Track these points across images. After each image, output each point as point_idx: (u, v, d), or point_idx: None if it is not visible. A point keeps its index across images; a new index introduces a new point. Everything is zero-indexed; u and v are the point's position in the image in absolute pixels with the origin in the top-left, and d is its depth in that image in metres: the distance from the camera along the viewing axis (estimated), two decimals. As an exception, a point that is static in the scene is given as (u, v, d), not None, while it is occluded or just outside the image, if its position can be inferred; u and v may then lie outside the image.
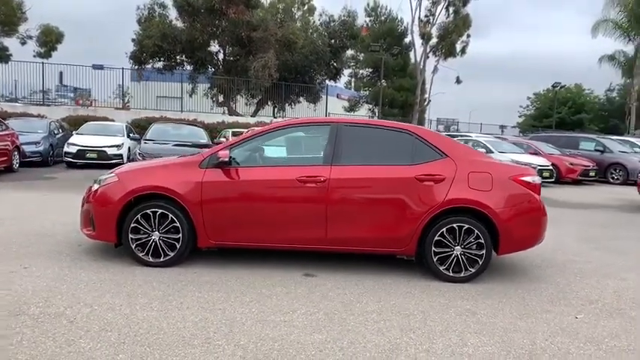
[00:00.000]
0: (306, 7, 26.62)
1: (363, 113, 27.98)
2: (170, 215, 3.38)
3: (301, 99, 20.69)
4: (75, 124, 13.59)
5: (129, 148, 11.11)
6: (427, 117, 29.66)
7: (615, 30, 23.76)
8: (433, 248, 3.37)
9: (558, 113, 31.29)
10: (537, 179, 3.60)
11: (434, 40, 25.93)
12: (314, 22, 23.03)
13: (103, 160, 10.49)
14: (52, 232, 4.36)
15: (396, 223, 3.37)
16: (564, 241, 4.96)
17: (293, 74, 19.82)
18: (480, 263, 3.38)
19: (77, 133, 11.30)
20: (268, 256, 3.74)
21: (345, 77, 26.52)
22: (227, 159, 3.39)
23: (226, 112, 19.45)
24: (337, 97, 30.38)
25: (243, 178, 3.43)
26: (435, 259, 3.38)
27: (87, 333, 2.32)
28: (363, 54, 27.32)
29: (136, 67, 18.49)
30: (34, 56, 19.98)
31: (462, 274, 3.38)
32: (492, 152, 10.49)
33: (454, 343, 2.42)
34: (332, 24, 20.52)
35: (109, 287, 2.98)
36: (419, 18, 25.76)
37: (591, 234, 5.58)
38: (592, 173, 12.18)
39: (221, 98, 19.94)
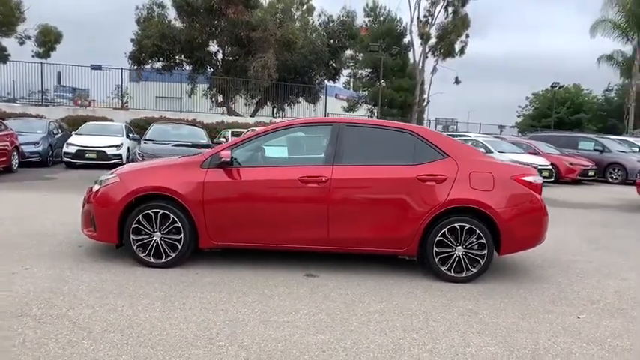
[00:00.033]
0: (305, 7, 26.66)
1: (362, 113, 28.01)
2: (171, 216, 3.38)
3: (300, 99, 20.68)
4: (74, 124, 13.56)
5: (128, 148, 11.09)
6: (426, 117, 29.70)
7: (614, 30, 23.84)
8: (435, 248, 3.37)
9: (557, 113, 31.38)
10: (539, 179, 3.61)
11: (433, 41, 25.97)
12: (313, 22, 23.06)
13: (102, 161, 10.47)
14: (53, 233, 4.35)
15: (397, 224, 3.37)
16: (565, 241, 4.98)
17: (292, 74, 19.81)
18: (482, 263, 3.38)
19: (76, 134, 11.27)
20: (269, 256, 3.74)
21: (343, 77, 26.56)
22: (229, 159, 3.39)
23: (225, 112, 19.43)
24: (336, 97, 30.39)
25: (245, 178, 3.43)
26: (436, 259, 3.38)
27: (90, 334, 2.32)
28: (362, 54, 27.37)
29: (135, 67, 18.45)
30: (33, 56, 19.98)
31: (463, 274, 3.39)
32: (492, 152, 10.50)
33: (457, 343, 2.42)
34: (331, 24, 20.52)
35: (111, 288, 2.97)
36: (418, 18, 25.82)
37: (591, 234, 5.59)
38: (591, 173, 12.21)
39: (220, 98, 19.92)
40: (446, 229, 3.35)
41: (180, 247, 3.40)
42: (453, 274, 3.38)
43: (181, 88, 18.83)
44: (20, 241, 3.98)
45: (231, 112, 19.46)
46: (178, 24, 18.32)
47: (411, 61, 27.79)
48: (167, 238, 3.40)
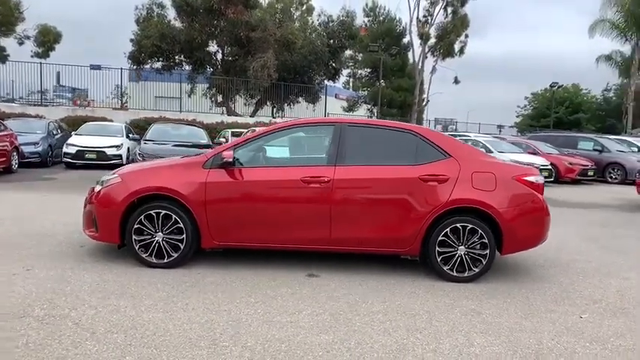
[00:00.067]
0: (304, 7, 26.63)
1: (361, 113, 28.02)
2: (174, 216, 3.37)
3: (300, 99, 20.68)
4: (73, 124, 13.53)
5: (128, 148, 11.08)
6: (425, 117, 29.72)
7: (612, 30, 23.87)
8: (437, 248, 3.37)
9: (556, 113, 31.42)
10: (540, 179, 3.61)
11: (432, 41, 25.99)
12: (312, 22, 23.04)
13: (102, 161, 10.46)
14: (54, 233, 4.34)
15: (400, 224, 3.37)
16: (566, 241, 4.98)
17: (292, 74, 19.81)
18: (484, 263, 3.39)
19: (76, 134, 11.24)
20: (271, 256, 3.73)
21: (343, 77, 26.55)
22: (231, 159, 3.38)
23: (225, 112, 19.41)
24: (335, 97, 30.39)
25: (247, 178, 3.43)
26: (439, 259, 3.38)
27: (93, 335, 2.31)
28: (361, 54, 27.35)
29: (135, 67, 18.42)
30: (32, 56, 19.92)
31: (465, 274, 3.39)
32: (491, 152, 10.52)
33: (461, 343, 2.42)
34: (331, 24, 20.52)
35: (114, 289, 2.97)
36: (417, 18, 25.83)
37: (592, 233, 5.60)
38: (590, 173, 12.24)
39: (220, 98, 19.90)
40: (448, 229, 3.35)
41: (182, 247, 3.40)
42: (455, 274, 3.39)
43: (181, 88, 18.80)
44: (20, 242, 3.97)
45: (231, 112, 19.45)
46: (178, 24, 18.30)
47: (411, 61, 27.80)
48: (169, 238, 3.40)
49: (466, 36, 25.84)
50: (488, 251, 3.37)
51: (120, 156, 10.68)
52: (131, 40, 18.27)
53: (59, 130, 11.94)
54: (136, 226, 3.38)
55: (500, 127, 30.27)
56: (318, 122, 4.13)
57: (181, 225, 3.37)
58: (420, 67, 26.76)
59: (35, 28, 19.92)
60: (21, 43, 19.80)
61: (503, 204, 3.37)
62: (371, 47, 23.25)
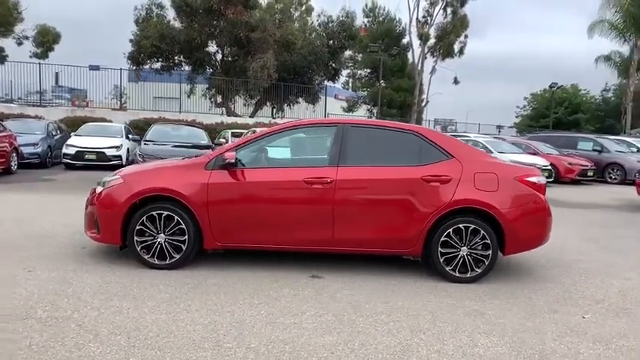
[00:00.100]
0: (303, 7, 26.66)
1: (361, 114, 28.02)
2: (176, 217, 3.37)
3: (300, 100, 20.67)
4: (73, 125, 13.49)
5: (128, 149, 11.06)
6: (425, 117, 29.74)
7: (611, 31, 23.92)
8: (439, 249, 3.37)
9: (555, 113, 31.46)
10: (542, 179, 3.62)
11: (432, 41, 26.01)
12: (312, 22, 23.05)
13: (101, 162, 10.44)
14: (54, 234, 4.33)
15: (402, 224, 3.37)
16: (567, 241, 4.99)
17: (292, 75, 19.80)
18: (486, 263, 3.39)
19: (75, 135, 11.22)
20: (274, 257, 3.73)
21: (342, 78, 26.55)
22: (233, 160, 3.38)
23: (225, 112, 19.40)
24: (335, 97, 30.40)
25: (250, 179, 3.42)
26: (441, 260, 3.38)
27: (96, 337, 2.30)
28: (361, 54, 27.35)
29: (134, 67, 18.40)
30: (31, 57, 19.86)
31: (468, 275, 3.39)
32: (491, 152, 10.53)
33: (465, 343, 2.42)
34: (330, 24, 20.53)
35: (116, 290, 2.96)
36: (417, 19, 25.85)
37: (592, 234, 5.61)
38: (590, 173, 12.26)
39: (219, 99, 19.88)
40: (450, 230, 3.36)
41: (184, 248, 3.39)
42: (457, 274, 3.39)
43: (180, 88, 18.78)
44: (21, 243, 3.96)
45: (231, 113, 19.43)
46: (177, 24, 18.28)
47: (410, 61, 27.82)
48: (171, 239, 3.39)
49: (466, 36, 25.89)
50: (490, 252, 3.37)
51: (119, 157, 10.67)
52: (130, 41, 18.24)
53: (58, 131, 11.91)
54: (137, 228, 3.37)
55: (499, 127, 30.31)
56: (320, 123, 4.13)
57: (183, 226, 3.37)
58: (419, 67, 26.79)
59: (34, 29, 19.88)
60: (20, 44, 19.76)
61: (506, 204, 3.38)
62: (371, 48, 23.25)
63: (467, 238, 3.36)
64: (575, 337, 2.57)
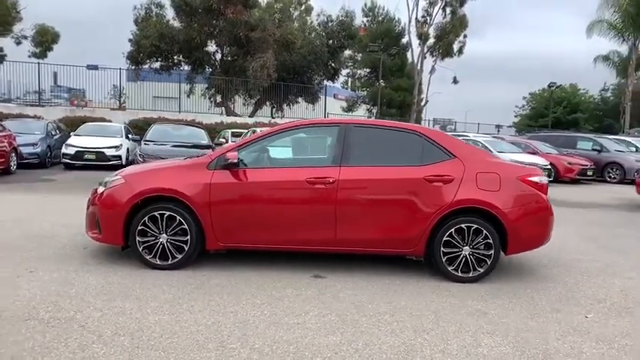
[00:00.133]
0: (303, 7, 26.63)
1: (360, 113, 28.03)
2: (178, 217, 3.36)
3: (299, 99, 20.66)
4: (72, 125, 13.46)
5: (128, 149, 11.04)
6: (424, 117, 29.75)
7: (610, 30, 23.96)
8: (442, 248, 3.38)
9: (554, 113, 31.50)
10: (544, 179, 3.62)
11: (431, 41, 26.03)
12: (312, 22, 23.03)
13: (101, 162, 10.42)
14: (55, 235, 4.31)
15: (405, 224, 3.37)
16: (567, 241, 5.00)
17: (291, 74, 19.78)
18: (489, 263, 3.39)
19: (75, 135, 11.19)
20: (276, 257, 3.73)
21: (341, 77, 26.54)
22: (236, 160, 3.37)
23: (224, 112, 19.37)
24: (334, 97, 30.39)
25: (252, 179, 3.42)
26: (443, 260, 3.39)
27: (99, 338, 2.30)
28: (360, 54, 27.36)
29: (133, 67, 18.36)
30: (30, 56, 19.84)
31: (470, 274, 3.39)
32: (491, 152, 10.53)
33: (468, 343, 2.42)
34: (330, 24, 20.51)
35: (118, 291, 2.95)
36: (416, 18, 25.86)
37: (592, 233, 5.62)
38: (589, 172, 12.29)
39: (219, 99, 19.85)
40: (453, 230, 3.36)
41: (186, 248, 3.38)
42: (460, 274, 3.39)
43: (180, 88, 18.75)
44: (22, 244, 3.95)
45: (230, 113, 19.41)
46: (177, 24, 18.24)
47: (410, 61, 27.84)
48: (173, 239, 3.38)
49: (465, 36, 25.90)
50: (492, 251, 3.37)
51: (119, 157, 10.64)
52: (129, 40, 18.21)
53: (58, 131, 11.88)
54: (139, 228, 3.36)
55: (498, 127, 30.34)
56: (322, 123, 4.13)
57: (185, 226, 3.36)
58: (419, 67, 26.79)
59: (33, 28, 19.84)
60: (18, 43, 19.70)
61: (508, 204, 3.38)
62: (370, 47, 23.27)
63: (469, 238, 3.36)
64: (578, 336, 2.57)
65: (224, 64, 19.48)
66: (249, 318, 2.62)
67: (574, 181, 12.03)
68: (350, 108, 28.35)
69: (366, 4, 28.42)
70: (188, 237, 3.37)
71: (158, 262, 3.38)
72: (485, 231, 3.35)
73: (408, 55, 27.88)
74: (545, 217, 3.53)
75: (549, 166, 11.30)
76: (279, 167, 3.68)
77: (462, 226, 3.36)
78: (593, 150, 13.54)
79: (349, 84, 31.46)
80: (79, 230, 4.23)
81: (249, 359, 2.17)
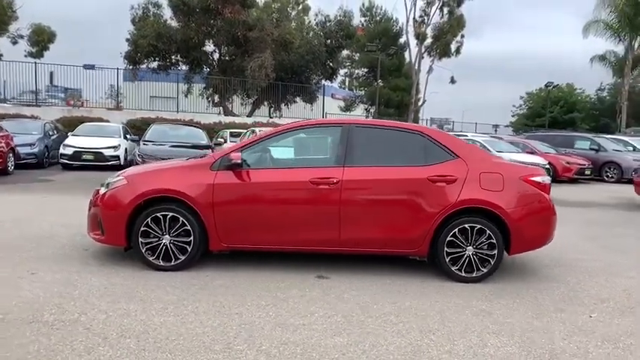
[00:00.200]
0: (300, 6, 26.60)
1: (358, 113, 28.06)
2: (181, 218, 3.34)
3: (297, 99, 20.63)
4: (69, 125, 13.36)
5: (126, 149, 10.98)
6: (421, 117, 29.83)
7: (606, 30, 24.12)
8: (445, 249, 3.38)
9: (551, 112, 31.67)
10: (547, 179, 3.64)
11: (429, 41, 26.11)
12: (309, 22, 23.00)
13: (99, 162, 10.36)
14: (54, 235, 4.28)
15: (408, 224, 3.37)
16: (568, 240, 5.02)
17: (289, 74, 19.76)
18: (492, 263, 3.40)
19: (73, 135, 11.12)
20: (279, 258, 3.71)
21: (339, 77, 26.54)
22: (239, 161, 3.36)
23: (222, 112, 19.32)
24: (332, 96, 30.38)
25: (255, 180, 3.41)
26: (447, 260, 3.39)
27: (105, 340, 2.28)
28: (358, 54, 27.39)
29: (131, 67, 18.26)
30: (26, 56, 19.68)
31: (474, 274, 3.40)
32: (490, 152, 10.57)
33: (475, 344, 2.43)
34: (328, 24, 20.49)
35: (122, 292, 2.93)
36: (413, 18, 25.93)
37: (592, 232, 5.65)
38: (587, 172, 12.36)
39: (217, 98, 19.80)
40: (456, 230, 3.36)
41: (189, 249, 3.37)
42: (463, 274, 3.39)
43: (178, 88, 18.67)
44: (22, 244, 3.92)
45: (228, 112, 19.35)
46: (174, 23, 18.17)
47: (407, 60, 27.92)
48: (176, 240, 3.36)
49: (462, 36, 26.02)
50: (496, 251, 3.38)
51: (117, 157, 10.59)
52: (127, 40, 18.11)
53: (55, 131, 11.80)
54: (142, 229, 3.34)
55: (495, 126, 30.45)
56: (326, 123, 4.13)
57: (188, 227, 3.34)
58: (416, 66, 26.85)
59: (29, 28, 19.68)
60: (14, 43, 19.55)
61: (511, 204, 3.39)
62: (368, 47, 23.30)
63: (473, 238, 3.37)
64: (584, 336, 2.58)
65: (222, 64, 19.43)
66: (254, 319, 2.61)
67: (572, 181, 12.10)
68: (348, 108, 28.39)
69: (363, 4, 28.49)
70: (191, 238, 3.35)
71: (161, 263, 3.36)
72: (488, 231, 3.36)
73: (406, 54, 28.00)
74: (548, 217, 3.54)
75: (547, 166, 11.34)
76: (282, 168, 3.67)
77: (466, 226, 3.36)
78: (591, 149, 13.62)
79: (347, 84, 31.47)
80: (78, 230, 4.20)
81: (257, 361, 2.16)
